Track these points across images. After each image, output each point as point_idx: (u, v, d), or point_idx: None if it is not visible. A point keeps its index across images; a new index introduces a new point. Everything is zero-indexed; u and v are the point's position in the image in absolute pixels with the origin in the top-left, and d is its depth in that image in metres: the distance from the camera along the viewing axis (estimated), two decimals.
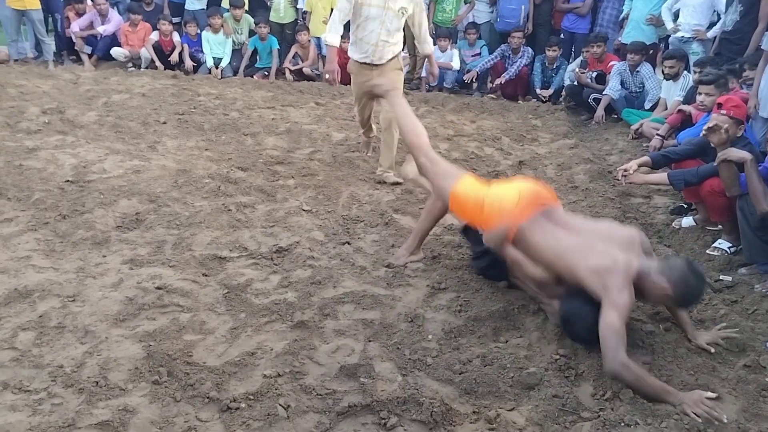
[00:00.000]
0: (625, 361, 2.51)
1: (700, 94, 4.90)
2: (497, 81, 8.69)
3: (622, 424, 2.39)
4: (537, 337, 2.94)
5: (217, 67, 9.04)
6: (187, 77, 8.65)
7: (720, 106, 3.85)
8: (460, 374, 2.71)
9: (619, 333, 2.55)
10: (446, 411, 2.45)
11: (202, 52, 9.17)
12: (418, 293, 3.34)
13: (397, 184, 4.96)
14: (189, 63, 9.07)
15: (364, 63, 5.00)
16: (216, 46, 9.19)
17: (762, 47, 4.76)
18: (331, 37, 4.82)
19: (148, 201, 4.34)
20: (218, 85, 8.32)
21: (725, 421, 2.39)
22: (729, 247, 3.93)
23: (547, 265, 2.97)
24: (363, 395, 2.51)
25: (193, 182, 4.72)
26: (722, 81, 4.84)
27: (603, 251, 2.77)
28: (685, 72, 6.41)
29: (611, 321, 2.57)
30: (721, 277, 3.65)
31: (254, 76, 9.14)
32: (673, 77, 6.40)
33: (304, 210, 4.38)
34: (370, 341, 2.91)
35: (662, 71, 6.64)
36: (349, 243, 3.92)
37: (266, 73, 9.29)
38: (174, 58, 9.14)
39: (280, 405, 2.42)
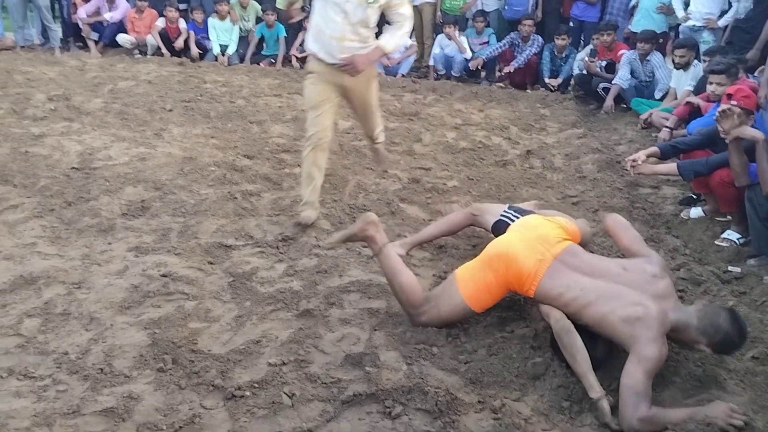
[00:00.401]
0: (643, 416, 2.29)
1: (711, 83, 4.84)
2: (506, 69, 8.61)
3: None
4: (543, 327, 2.91)
5: (223, 55, 9.01)
6: (194, 64, 8.63)
7: (730, 96, 3.79)
8: (465, 364, 2.70)
9: (640, 393, 2.32)
10: (451, 400, 2.44)
11: (208, 39, 9.13)
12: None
13: None
14: (195, 50, 9.03)
15: (331, 64, 3.72)
16: (222, 33, 9.15)
17: None
18: None
19: (154, 188, 4.33)
20: (225, 72, 8.30)
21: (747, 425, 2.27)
22: (738, 239, 3.89)
23: (572, 315, 2.65)
24: (368, 384, 2.50)
25: (198, 170, 4.71)
26: (734, 70, 4.77)
27: (634, 300, 2.53)
28: (696, 61, 6.33)
29: (635, 379, 2.35)
30: (729, 268, 3.61)
31: (261, 64, 9.10)
32: (684, 66, 6.32)
33: None
34: (375, 330, 2.90)
35: (673, 60, 6.56)
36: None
37: (273, 61, 9.24)
38: (180, 44, 9.10)
39: (284, 393, 2.42)
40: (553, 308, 2.70)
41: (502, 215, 3.31)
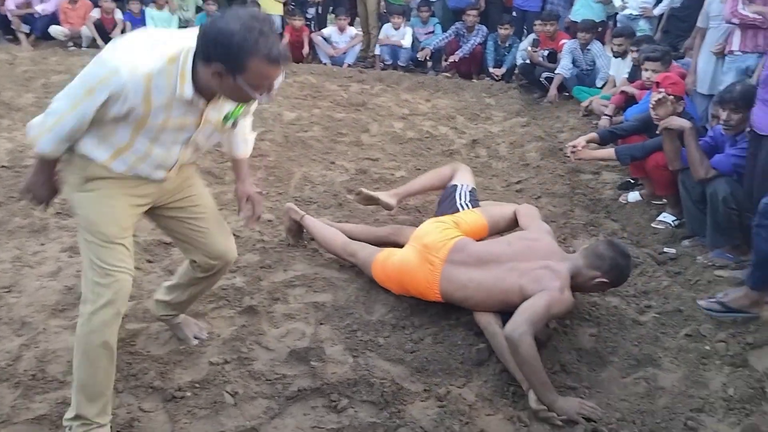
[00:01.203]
0: (526, 335, 2.37)
1: (646, 70, 4.97)
2: (451, 58, 8.67)
3: (569, 395, 2.44)
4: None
5: None
6: None
7: (658, 84, 3.91)
8: (411, 353, 2.71)
9: (534, 320, 2.42)
10: (397, 390, 2.45)
11: (143, 25, 8.87)
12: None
13: None
14: None
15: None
16: (160, 23, 8.89)
17: (698, 24, 4.84)
18: (43, 143, 2.00)
19: None
20: None
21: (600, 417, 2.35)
22: (673, 221, 4.02)
23: (483, 307, 2.77)
24: (313, 379, 2.49)
25: None
26: (667, 58, 4.92)
27: (530, 268, 2.68)
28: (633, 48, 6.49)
29: (536, 304, 2.48)
30: (665, 249, 3.74)
31: None
32: (622, 55, 6.48)
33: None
34: (321, 324, 2.88)
35: (611, 49, 6.71)
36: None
37: None
38: (116, 36, 8.79)
39: (227, 392, 2.38)
40: (480, 314, 2.78)
41: (460, 196, 3.36)
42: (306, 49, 9.11)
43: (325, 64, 8.96)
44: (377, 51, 9.09)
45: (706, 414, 2.40)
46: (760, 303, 2.92)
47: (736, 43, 4.05)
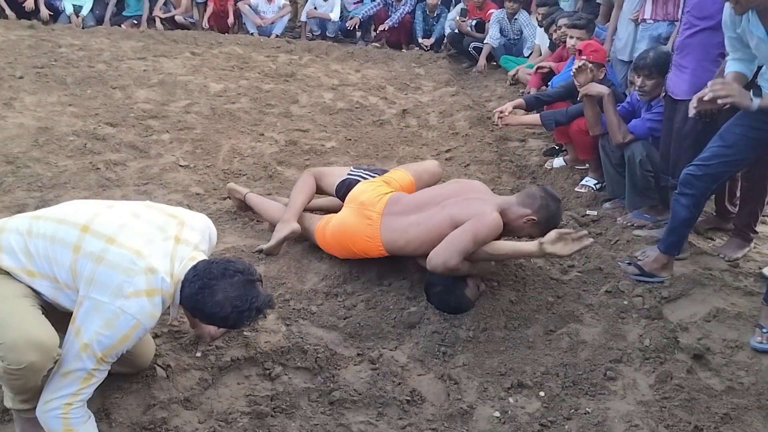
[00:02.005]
0: (452, 266, 2.65)
1: (571, 37, 5.08)
2: (381, 27, 8.64)
3: (497, 352, 2.54)
4: (419, 278, 3.01)
5: (77, 16, 8.32)
6: (46, 27, 7.90)
7: (580, 52, 4.03)
8: (344, 319, 2.74)
9: (460, 249, 2.65)
10: (331, 356, 2.48)
11: None
12: (305, 243, 3.30)
13: None
14: (45, 11, 8.28)
15: None
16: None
17: None
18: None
19: (5, 162, 3.97)
20: (82, 35, 7.67)
21: (591, 240, 2.65)
22: (595, 184, 4.19)
23: (426, 248, 2.81)
24: (246, 348, 2.48)
25: (55, 140, 4.37)
26: (591, 26, 5.05)
27: (462, 200, 2.85)
28: None
29: (461, 235, 2.66)
30: (587, 212, 3.90)
31: (122, 25, 8.51)
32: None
33: (180, 165, 4.19)
34: None
35: (536, 18, 6.84)
36: (230, 198, 3.80)
37: (135, 22, 8.68)
38: (29, 5, 8.29)
39: (158, 365, 2.34)
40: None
41: (349, 174, 3.34)
42: (231, 19, 8.87)
43: (252, 34, 8.75)
44: (303, 18, 8.95)
45: (624, 364, 2.55)
46: (669, 266, 3.11)
47: (648, 11, 4.20)
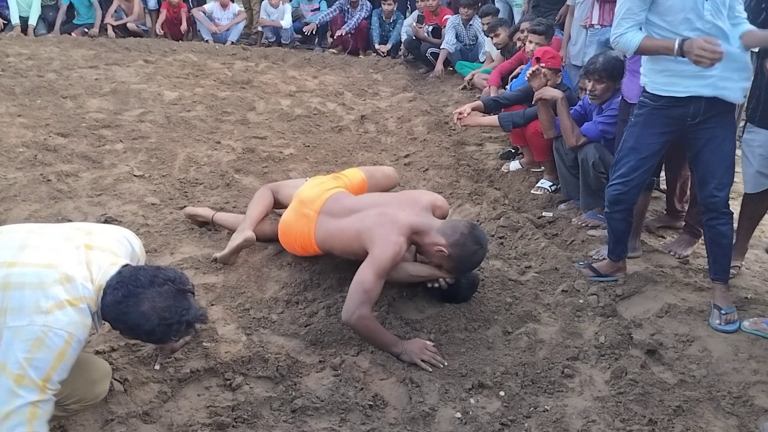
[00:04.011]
0: (365, 315, 2.52)
1: (531, 42, 5.17)
2: (337, 33, 8.67)
3: (457, 353, 2.57)
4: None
5: (25, 30, 8.10)
6: None
7: (538, 60, 4.11)
8: (305, 327, 2.73)
9: (367, 291, 2.54)
10: (292, 364, 2.47)
11: (7, 7, 8.16)
12: (264, 252, 3.28)
13: None
14: None
15: None
16: (23, 1, 8.20)
17: (568, 3, 5.10)
18: None
19: None
20: (30, 44, 7.47)
21: (446, 364, 2.52)
22: (550, 186, 4.28)
23: (348, 255, 2.87)
24: (206, 359, 2.45)
25: (4, 152, 4.24)
26: (551, 32, 5.15)
27: (376, 213, 2.77)
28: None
29: (364, 278, 2.56)
30: (543, 213, 3.98)
31: (73, 34, 8.32)
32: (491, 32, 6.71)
33: (135, 175, 4.11)
34: (212, 305, 2.83)
35: (482, 28, 6.95)
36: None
37: (86, 30, 8.49)
38: None
39: (115, 380, 2.29)
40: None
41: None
42: (184, 26, 8.76)
43: (207, 41, 8.66)
44: (259, 28, 8.92)
45: (580, 361, 2.61)
46: (622, 267, 3.22)
47: (595, 17, 4.32)
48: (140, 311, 1.71)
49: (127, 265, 1.82)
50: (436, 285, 2.82)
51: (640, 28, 2.73)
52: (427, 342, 2.59)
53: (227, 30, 8.79)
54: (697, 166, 2.86)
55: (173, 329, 1.75)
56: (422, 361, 2.50)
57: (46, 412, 1.65)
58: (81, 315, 1.67)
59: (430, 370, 2.48)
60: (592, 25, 4.29)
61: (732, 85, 2.68)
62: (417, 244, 2.77)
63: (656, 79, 2.77)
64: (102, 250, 1.81)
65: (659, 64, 2.74)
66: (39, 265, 1.68)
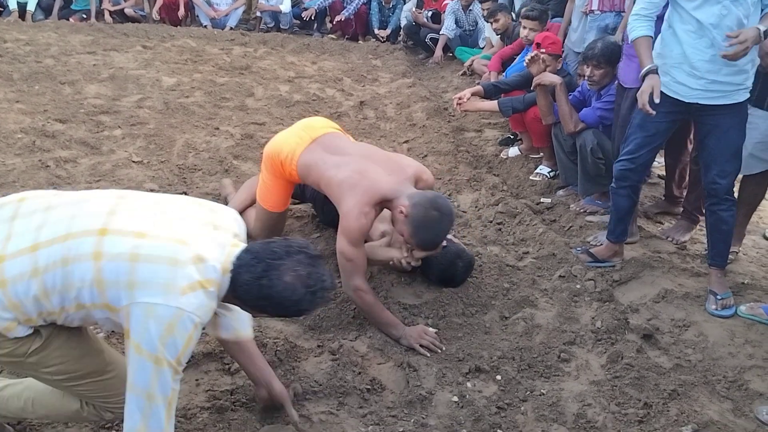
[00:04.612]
0: (359, 286, 2.56)
1: (524, 28, 5.15)
2: (336, 18, 8.62)
3: (455, 338, 2.58)
4: (378, 269, 3.04)
5: (23, 15, 8.05)
6: None
7: (539, 45, 4.10)
8: None
9: (351, 260, 2.55)
10: (291, 348, 2.48)
11: None
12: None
13: None
14: None
15: None
16: None
17: None
18: None
19: None
20: (28, 30, 7.43)
21: (443, 349, 2.53)
22: (548, 172, 4.28)
23: (319, 189, 2.87)
24: (205, 344, 2.46)
25: (2, 138, 4.23)
26: (545, 17, 5.13)
27: (357, 170, 2.69)
28: None
29: (341, 248, 2.58)
30: (542, 199, 3.99)
31: (71, 19, 8.27)
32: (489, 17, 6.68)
33: (134, 161, 4.11)
34: None
35: (482, 13, 6.92)
36: (186, 193, 3.75)
37: (84, 16, 8.44)
38: None
39: None
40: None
41: None
42: (182, 12, 8.70)
43: (205, 26, 8.61)
44: (258, 13, 8.88)
45: (577, 346, 2.63)
46: (620, 252, 3.23)
47: (595, 3, 4.30)
48: (285, 282, 1.62)
49: (252, 243, 1.74)
50: (404, 265, 2.77)
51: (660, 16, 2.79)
52: (429, 328, 2.61)
53: (226, 15, 8.73)
54: (703, 150, 2.88)
55: (317, 296, 1.67)
56: (420, 345, 2.52)
57: (176, 395, 1.63)
58: (209, 299, 1.60)
59: (428, 354, 2.50)
60: (592, 11, 4.27)
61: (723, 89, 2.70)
62: (389, 209, 2.69)
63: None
64: (225, 230, 1.74)
65: (659, 59, 2.80)
66: (172, 240, 1.58)
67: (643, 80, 2.72)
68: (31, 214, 1.65)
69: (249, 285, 1.62)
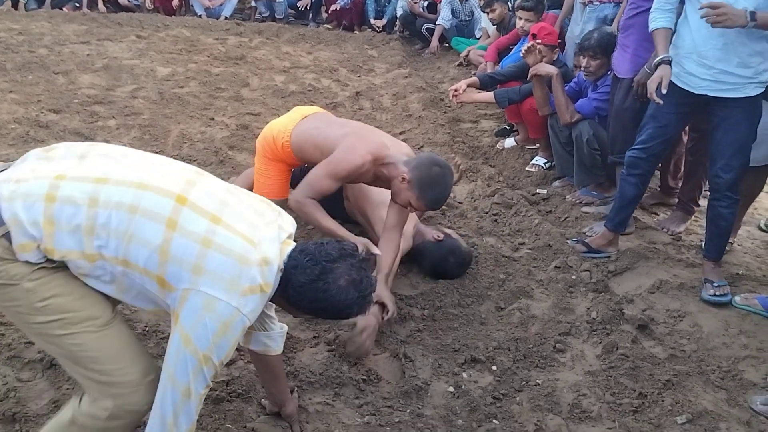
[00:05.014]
0: (303, 201, 2.61)
1: (520, 18, 5.13)
2: (332, 7, 8.58)
3: (450, 328, 2.59)
4: (373, 261, 3.03)
5: (15, 5, 7.98)
6: None
7: (535, 36, 4.08)
8: None
9: (312, 183, 2.63)
10: (287, 339, 2.46)
11: None
12: None
13: None
14: None
15: None
16: None
17: None
18: None
19: None
20: (21, 19, 7.38)
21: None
22: (545, 163, 4.28)
23: (315, 156, 2.81)
24: None
25: None
26: (540, 7, 5.11)
27: (357, 129, 2.81)
28: None
29: (317, 171, 2.63)
30: (537, 190, 3.99)
31: (64, 8, 8.21)
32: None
33: None
34: None
35: (479, 2, 6.88)
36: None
37: (77, 5, 8.38)
38: None
39: None
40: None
41: None
42: (176, 1, 8.64)
43: (200, 16, 8.56)
44: (253, 3, 8.83)
45: (572, 336, 2.64)
46: (615, 242, 3.24)
47: None
48: (340, 286, 1.59)
49: (305, 242, 1.70)
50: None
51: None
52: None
53: (220, 5, 8.68)
54: (710, 143, 2.87)
55: (367, 300, 1.65)
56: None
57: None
58: (261, 302, 1.56)
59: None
60: (591, 2, 4.25)
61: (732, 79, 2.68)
62: (384, 178, 2.65)
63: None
64: (284, 232, 1.67)
65: (672, 50, 2.80)
66: (244, 237, 1.53)
67: (654, 70, 2.72)
68: (105, 156, 1.58)
69: (304, 287, 1.58)
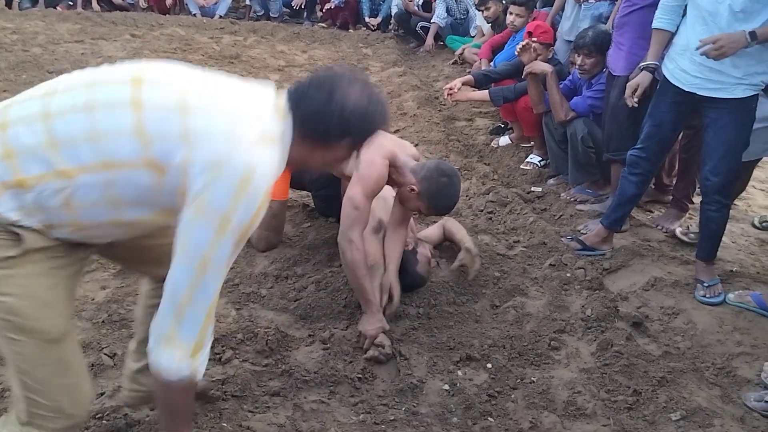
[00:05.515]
0: (354, 239, 2.45)
1: (511, 14, 5.12)
2: (327, 6, 8.58)
3: (445, 327, 2.59)
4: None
5: (9, 4, 7.96)
6: None
7: (530, 34, 4.09)
8: (295, 301, 2.75)
9: (358, 208, 2.47)
10: (282, 338, 2.48)
11: None
12: None
13: None
14: None
15: None
16: None
17: None
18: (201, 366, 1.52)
19: None
20: (15, 18, 7.36)
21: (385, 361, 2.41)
22: (539, 161, 4.29)
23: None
24: None
25: None
26: (531, 3, 5.11)
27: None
28: None
29: (352, 195, 2.49)
30: (532, 188, 3.99)
31: (58, 7, 8.18)
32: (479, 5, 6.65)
33: None
34: None
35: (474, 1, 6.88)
36: None
37: (71, 3, 8.35)
38: None
39: (105, 354, 2.31)
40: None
41: None
42: (170, 0, 8.62)
43: (194, 15, 8.54)
44: (247, 1, 8.81)
45: (567, 334, 2.64)
46: (609, 239, 3.24)
47: None
48: (356, 96, 1.42)
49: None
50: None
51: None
52: (386, 340, 2.43)
53: (215, 3, 8.66)
54: (703, 145, 2.87)
55: (384, 109, 1.51)
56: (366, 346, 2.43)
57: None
58: (274, 154, 1.38)
59: (367, 356, 2.40)
60: (586, 0, 4.25)
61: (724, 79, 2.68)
62: (393, 183, 2.64)
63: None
64: (267, 86, 1.53)
65: (671, 47, 2.83)
66: (225, 96, 1.41)
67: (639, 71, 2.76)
68: (54, 80, 1.45)
69: (319, 114, 1.41)
